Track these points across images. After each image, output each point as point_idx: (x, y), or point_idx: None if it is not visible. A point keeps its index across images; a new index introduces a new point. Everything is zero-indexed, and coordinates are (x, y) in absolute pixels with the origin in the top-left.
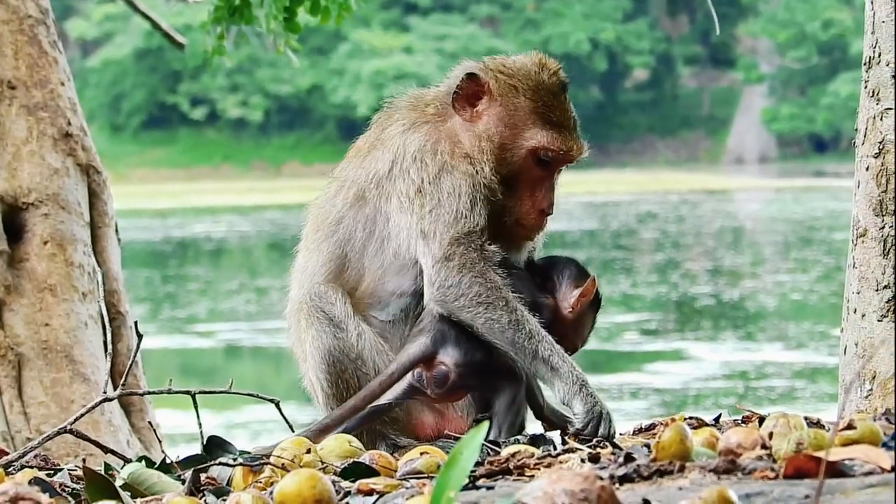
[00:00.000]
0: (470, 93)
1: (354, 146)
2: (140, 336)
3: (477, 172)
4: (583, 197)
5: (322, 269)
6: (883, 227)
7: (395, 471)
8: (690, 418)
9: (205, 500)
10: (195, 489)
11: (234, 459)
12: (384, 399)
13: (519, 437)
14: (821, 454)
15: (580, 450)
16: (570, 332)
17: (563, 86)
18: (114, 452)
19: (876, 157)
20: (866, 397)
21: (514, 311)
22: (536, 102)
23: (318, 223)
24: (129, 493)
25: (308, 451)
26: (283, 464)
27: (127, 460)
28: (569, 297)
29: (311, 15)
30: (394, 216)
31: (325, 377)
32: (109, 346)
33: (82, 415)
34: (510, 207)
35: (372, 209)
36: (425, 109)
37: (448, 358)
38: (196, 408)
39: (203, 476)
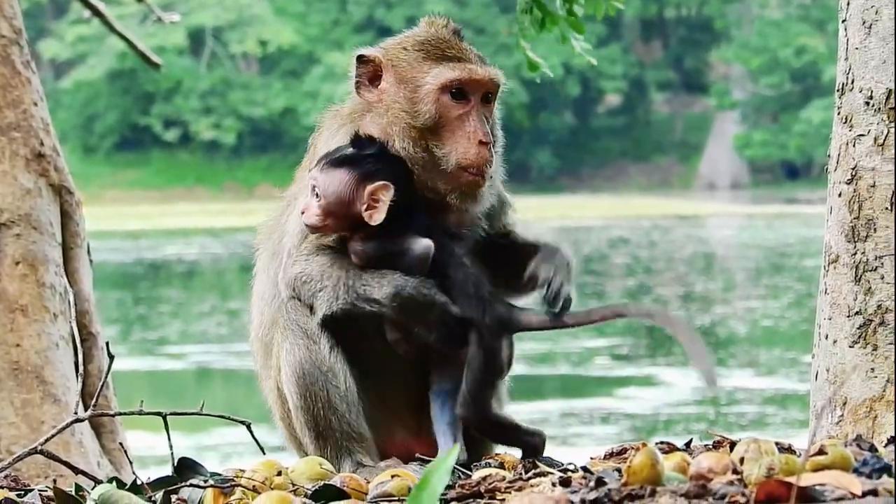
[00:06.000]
0: (369, 75)
1: (301, 166)
2: (112, 357)
3: None
4: (555, 221)
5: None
6: (855, 254)
7: (366, 493)
8: (661, 443)
9: None
10: None
11: (206, 481)
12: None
13: (490, 460)
14: (792, 479)
15: (551, 473)
16: None
17: (456, 31)
18: (84, 473)
19: (848, 184)
20: (837, 423)
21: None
22: (427, 50)
23: (270, 246)
24: None
25: (279, 474)
26: (253, 486)
27: (97, 481)
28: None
29: (587, 12)
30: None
31: (295, 390)
32: (81, 367)
33: (53, 435)
34: (446, 155)
35: None
36: (341, 112)
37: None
38: (167, 429)
39: (174, 497)
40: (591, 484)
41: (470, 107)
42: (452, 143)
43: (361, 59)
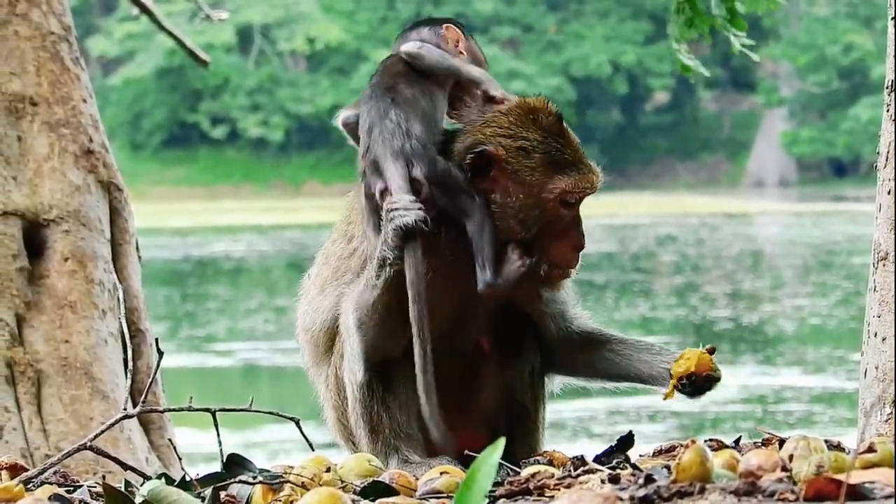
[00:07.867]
0: (482, 165)
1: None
2: (161, 353)
3: None
4: (602, 219)
5: (331, 288)
6: None
7: (415, 490)
8: (710, 440)
9: None
10: None
11: (255, 478)
12: None
13: (539, 457)
14: (841, 477)
15: (600, 470)
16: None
17: (560, 118)
18: (133, 469)
19: None
20: (886, 421)
21: None
22: (547, 152)
23: (341, 238)
24: None
25: (328, 470)
26: (302, 482)
27: (146, 477)
28: None
29: (748, 9)
30: None
31: (361, 374)
32: (130, 364)
33: (102, 431)
34: (543, 255)
35: None
36: None
37: (419, 174)
38: (216, 426)
39: (223, 494)
40: (641, 481)
41: (575, 211)
42: (551, 244)
43: (482, 155)
